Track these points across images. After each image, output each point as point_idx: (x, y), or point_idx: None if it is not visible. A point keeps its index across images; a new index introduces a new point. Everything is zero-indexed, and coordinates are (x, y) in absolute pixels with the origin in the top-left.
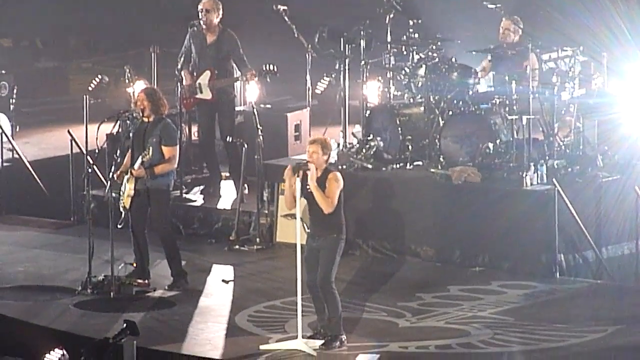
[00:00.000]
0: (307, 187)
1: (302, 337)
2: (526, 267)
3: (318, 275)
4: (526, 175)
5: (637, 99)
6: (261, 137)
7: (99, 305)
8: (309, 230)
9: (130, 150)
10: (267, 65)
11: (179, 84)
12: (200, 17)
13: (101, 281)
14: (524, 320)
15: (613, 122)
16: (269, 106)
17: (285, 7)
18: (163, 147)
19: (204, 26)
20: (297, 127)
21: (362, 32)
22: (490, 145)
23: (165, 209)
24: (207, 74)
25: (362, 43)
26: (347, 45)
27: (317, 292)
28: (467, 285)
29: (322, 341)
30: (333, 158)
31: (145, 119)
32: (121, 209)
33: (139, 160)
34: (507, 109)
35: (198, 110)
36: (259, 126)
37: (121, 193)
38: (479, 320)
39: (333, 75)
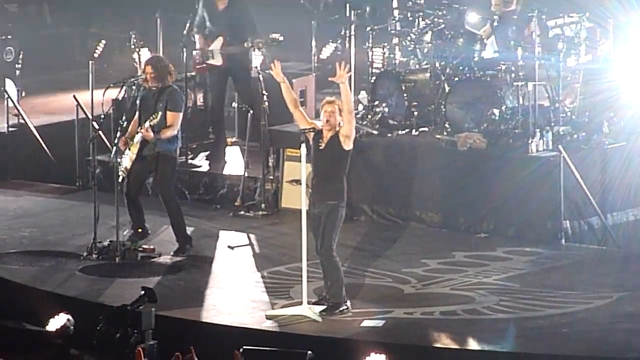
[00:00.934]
0: (320, 145)
1: (308, 303)
2: (531, 233)
3: (319, 242)
4: (532, 141)
5: None
6: (266, 103)
7: (105, 270)
8: (311, 197)
9: (137, 116)
10: (274, 35)
11: (184, 49)
12: None
13: (106, 247)
14: (529, 286)
15: (619, 88)
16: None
17: None
18: (168, 113)
19: None
20: (303, 93)
21: None
22: (496, 111)
23: (171, 175)
24: (220, 40)
25: (368, 9)
26: (352, 11)
27: (321, 260)
28: (472, 252)
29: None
30: None
31: (154, 87)
32: (121, 173)
33: (147, 123)
34: (512, 75)
35: (210, 75)
36: (264, 92)
37: (123, 156)
38: (484, 287)
39: (339, 41)
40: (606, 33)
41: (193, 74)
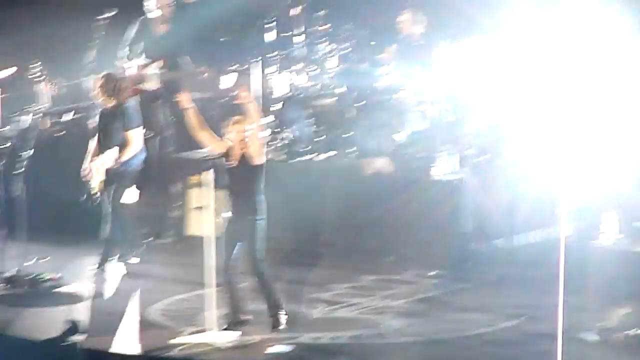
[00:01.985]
0: (231, 165)
1: (215, 330)
2: (437, 256)
3: (246, 258)
4: (437, 164)
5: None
6: (172, 130)
7: (10, 300)
8: (228, 212)
9: (97, 136)
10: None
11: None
12: (153, 8)
13: (12, 276)
14: (435, 309)
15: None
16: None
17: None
18: (125, 132)
19: (155, 17)
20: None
21: (273, 23)
22: (402, 135)
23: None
24: (155, 64)
25: (274, 35)
26: (259, 37)
27: (230, 277)
28: (379, 275)
29: (238, 333)
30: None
31: (108, 106)
32: (94, 194)
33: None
34: (417, 98)
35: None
36: (170, 118)
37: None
38: (391, 310)
39: (245, 67)
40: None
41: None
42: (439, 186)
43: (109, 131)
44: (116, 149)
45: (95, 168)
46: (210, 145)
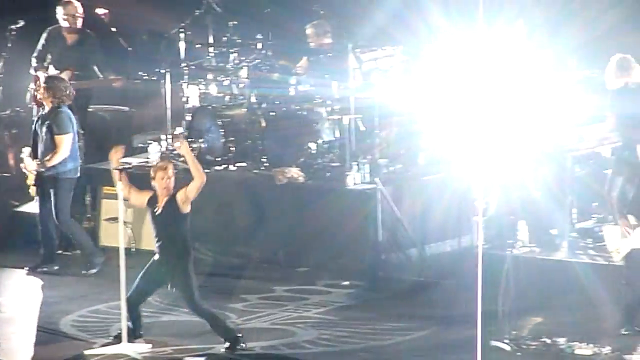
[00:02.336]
0: (155, 210)
1: (127, 341)
2: (350, 266)
3: (183, 299)
4: (349, 174)
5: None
6: (82, 141)
7: None
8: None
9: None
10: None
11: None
12: (63, 18)
13: None
14: (348, 319)
15: (433, 118)
16: (90, 109)
17: (106, 11)
18: (55, 137)
19: (66, 27)
20: (120, 131)
21: (182, 34)
22: (313, 145)
23: (64, 198)
24: (66, 74)
25: (183, 45)
26: (167, 48)
27: (135, 307)
28: (292, 286)
29: (149, 345)
30: (155, 161)
31: (42, 110)
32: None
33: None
34: (328, 108)
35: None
36: (81, 129)
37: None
38: (304, 321)
39: (154, 78)
40: (421, 65)
41: (8, 111)
42: (351, 196)
43: (42, 135)
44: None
45: (27, 170)
46: (137, 202)
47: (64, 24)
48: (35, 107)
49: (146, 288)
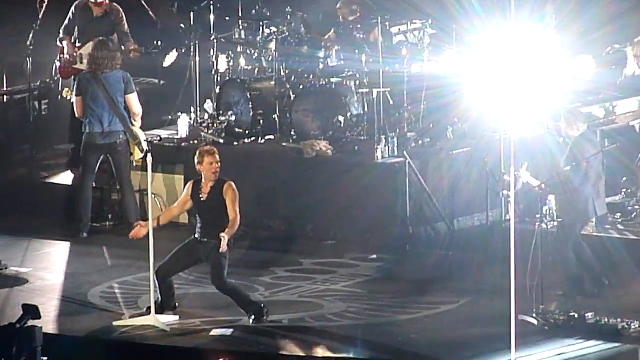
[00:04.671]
0: (200, 196)
1: (155, 313)
2: (378, 239)
3: (211, 275)
4: (377, 148)
5: (483, 70)
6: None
7: None
8: (197, 233)
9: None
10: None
11: (28, 58)
12: None
13: None
14: (376, 292)
15: (461, 93)
16: None
17: None
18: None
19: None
20: (149, 102)
21: (211, 7)
22: (341, 118)
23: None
24: (90, 44)
25: (212, 17)
26: (196, 20)
27: (164, 279)
28: (320, 259)
29: (176, 316)
30: (184, 133)
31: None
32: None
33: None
34: (357, 82)
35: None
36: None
37: None
38: (331, 293)
39: (182, 50)
40: (449, 39)
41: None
42: (379, 169)
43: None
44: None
45: None
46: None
47: None
48: (61, 79)
49: (179, 264)
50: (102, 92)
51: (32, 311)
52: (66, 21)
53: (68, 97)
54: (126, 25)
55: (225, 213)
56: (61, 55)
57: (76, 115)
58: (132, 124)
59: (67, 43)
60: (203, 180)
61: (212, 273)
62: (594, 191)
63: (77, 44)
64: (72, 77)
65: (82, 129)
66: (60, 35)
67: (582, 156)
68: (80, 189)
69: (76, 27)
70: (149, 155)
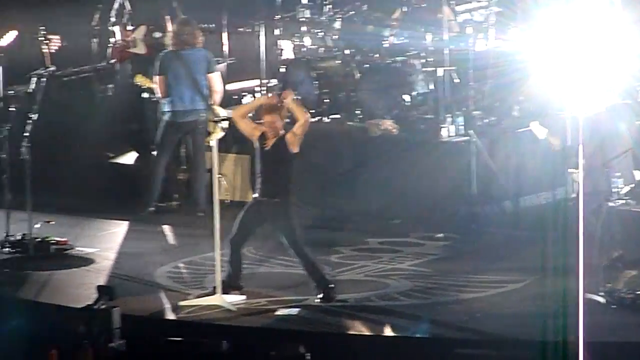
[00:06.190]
0: (265, 147)
1: (221, 293)
2: (444, 218)
3: (285, 239)
4: (443, 126)
5: (549, 48)
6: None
7: (17, 263)
8: (258, 191)
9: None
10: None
11: (93, 39)
12: None
13: (19, 240)
14: (442, 271)
15: (528, 72)
16: None
17: None
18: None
19: None
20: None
21: None
22: (407, 97)
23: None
24: (142, 28)
25: None
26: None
27: (237, 250)
28: (386, 238)
29: (243, 296)
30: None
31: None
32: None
33: None
34: (422, 61)
35: (132, 64)
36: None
37: None
38: (397, 273)
39: (248, 30)
40: (515, 17)
41: (104, 64)
42: (445, 148)
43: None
44: None
45: None
46: (247, 131)
47: None
48: (116, 63)
49: (246, 228)
50: (184, 70)
51: (108, 292)
52: (116, 5)
53: (142, 85)
54: (174, 7)
55: (285, 170)
56: (115, 40)
57: (159, 95)
58: (213, 103)
59: (118, 28)
60: (267, 134)
61: (285, 239)
62: None
63: (129, 28)
64: (135, 60)
65: (161, 109)
66: (113, 19)
67: None
68: (156, 168)
69: (124, 11)
70: (221, 134)
